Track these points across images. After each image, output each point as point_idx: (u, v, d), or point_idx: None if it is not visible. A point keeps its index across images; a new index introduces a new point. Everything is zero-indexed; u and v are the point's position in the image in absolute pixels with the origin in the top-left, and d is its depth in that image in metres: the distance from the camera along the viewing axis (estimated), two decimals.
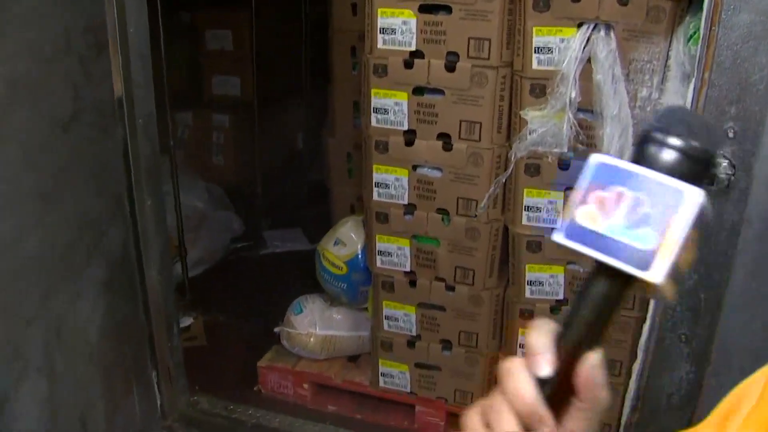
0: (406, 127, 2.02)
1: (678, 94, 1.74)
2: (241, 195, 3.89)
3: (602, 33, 1.77)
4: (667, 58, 1.76)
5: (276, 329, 2.55)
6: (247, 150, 4.01)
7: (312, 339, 2.46)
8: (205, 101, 4.10)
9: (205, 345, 2.88)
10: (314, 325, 2.47)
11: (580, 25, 1.79)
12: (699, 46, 1.56)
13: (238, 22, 3.93)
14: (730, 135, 1.49)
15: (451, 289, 2.13)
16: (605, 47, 1.76)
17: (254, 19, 3.84)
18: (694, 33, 1.71)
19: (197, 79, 4.13)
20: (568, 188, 1.93)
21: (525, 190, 1.96)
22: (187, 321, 2.95)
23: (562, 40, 1.80)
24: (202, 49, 4.06)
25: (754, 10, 1.43)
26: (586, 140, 1.85)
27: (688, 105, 1.62)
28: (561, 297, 2.04)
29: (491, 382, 2.19)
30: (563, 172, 1.91)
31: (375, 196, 2.11)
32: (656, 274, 0.53)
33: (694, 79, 1.59)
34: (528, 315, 2.08)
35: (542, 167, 1.92)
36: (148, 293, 2.17)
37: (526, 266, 2.03)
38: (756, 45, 1.45)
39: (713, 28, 1.50)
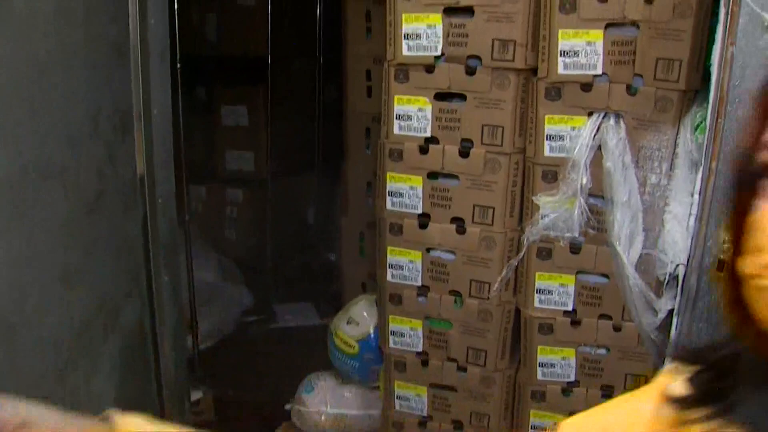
0: (420, 211, 2.06)
1: (687, 181, 1.79)
2: (252, 269, 3.92)
3: (612, 122, 1.83)
4: (675, 145, 1.81)
5: (287, 406, 2.54)
6: (259, 224, 4.06)
7: (323, 417, 2.46)
8: (220, 176, 4.17)
9: (213, 420, 2.87)
10: (325, 403, 2.47)
11: (590, 114, 1.85)
12: (705, 136, 1.61)
13: (253, 98, 4.03)
14: None
15: (463, 369, 2.14)
16: (615, 135, 1.82)
17: (270, 95, 3.94)
18: (701, 123, 1.76)
19: (212, 153, 4.21)
20: (580, 272, 1.96)
21: (537, 274, 1.98)
22: (196, 395, 2.94)
23: (573, 129, 1.86)
24: (218, 125, 4.15)
25: None
26: (597, 225, 1.88)
27: (697, 192, 1.67)
28: (572, 379, 2.05)
29: None
30: (575, 256, 1.93)
31: (389, 278, 2.14)
32: None
33: (702, 168, 1.64)
34: (539, 397, 2.08)
35: (554, 251, 1.95)
36: (161, 368, 2.18)
37: (538, 348, 2.04)
38: None
39: (719, 120, 1.55)
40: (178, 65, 3.04)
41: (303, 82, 4.18)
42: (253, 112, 4.06)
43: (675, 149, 1.81)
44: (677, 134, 1.80)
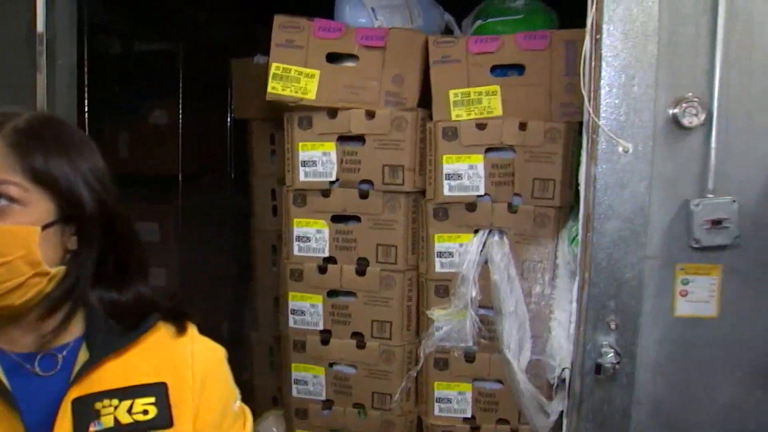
0: (321, 327, 2.14)
1: (567, 290, 1.92)
2: None
3: (496, 238, 1.97)
4: (555, 257, 1.96)
5: None
6: None
7: None
8: None
9: None
10: None
11: (476, 232, 1.99)
12: (578, 249, 1.75)
13: (165, 215, 4.03)
14: (612, 326, 1.66)
15: None
16: (500, 250, 1.95)
17: (181, 212, 3.97)
18: (576, 236, 1.91)
19: None
20: (476, 380, 2.05)
21: (435, 383, 2.07)
22: None
23: (461, 245, 1.99)
24: None
25: (620, 218, 1.63)
26: (488, 335, 2.00)
27: (574, 301, 1.79)
28: None
29: None
30: (470, 365, 2.03)
31: (294, 393, 2.19)
32: None
33: (577, 278, 1.77)
34: None
35: (450, 361, 2.04)
36: None
37: None
38: (625, 248, 1.64)
39: (588, 234, 1.70)
40: None
41: (214, 198, 4.24)
42: (164, 228, 4.06)
43: (555, 260, 1.96)
44: (556, 247, 1.95)
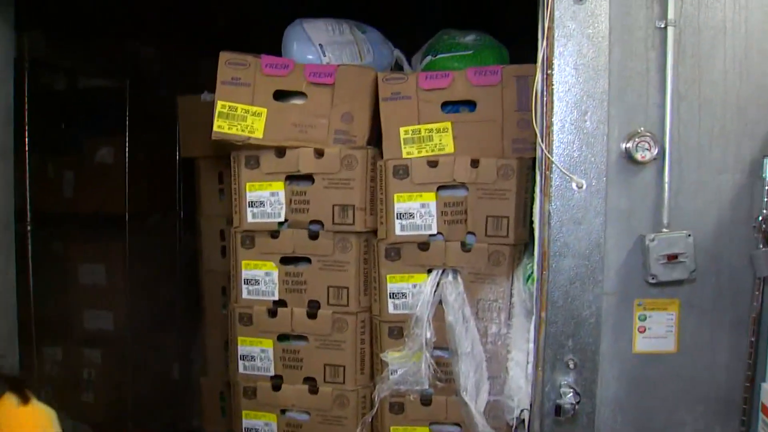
0: (272, 373, 2.06)
1: (524, 329, 1.88)
2: None
3: (450, 277, 1.92)
4: (511, 296, 1.91)
5: None
6: (118, 386, 3.87)
7: None
8: (77, 336, 3.97)
9: None
10: None
11: (429, 271, 1.93)
12: (535, 287, 1.72)
13: (111, 256, 3.92)
14: (571, 366, 1.62)
15: None
16: (454, 290, 1.90)
17: (128, 252, 3.86)
18: (531, 273, 1.88)
19: (69, 313, 4.02)
20: (433, 423, 1.98)
21: (391, 428, 2.00)
22: None
23: (415, 286, 1.93)
24: (75, 283, 3.99)
25: (576, 255, 1.61)
26: (444, 377, 1.94)
27: (531, 341, 1.75)
28: None
29: None
30: (426, 408, 1.96)
31: None
32: None
33: (534, 317, 1.73)
34: None
35: (406, 405, 1.98)
36: None
37: None
38: (582, 285, 1.61)
39: (544, 272, 1.66)
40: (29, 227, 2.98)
41: (163, 237, 4.13)
42: (111, 269, 3.94)
43: (511, 299, 1.92)
44: (512, 285, 1.91)
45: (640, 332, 1.63)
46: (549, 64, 1.60)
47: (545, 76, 1.61)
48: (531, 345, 1.73)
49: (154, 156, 4.07)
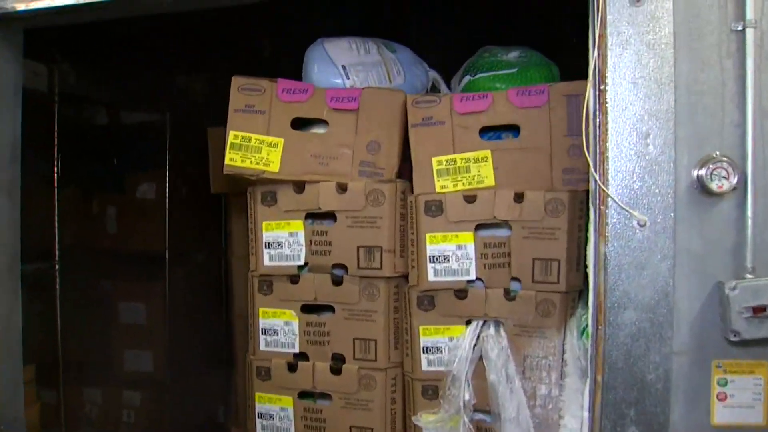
0: None
1: (578, 392, 1.60)
2: None
3: (492, 330, 1.66)
4: (563, 352, 1.64)
5: None
6: (158, 430, 3.72)
7: None
8: (117, 377, 3.86)
9: None
10: None
11: (468, 323, 1.68)
12: (590, 345, 1.45)
13: (152, 295, 3.81)
14: None
15: None
16: (496, 345, 1.64)
17: (168, 291, 3.74)
18: (587, 326, 1.60)
19: (109, 353, 3.91)
20: None
21: None
22: None
23: (451, 339, 1.68)
24: (115, 322, 3.89)
25: (639, 307, 1.35)
26: None
27: (586, 409, 1.48)
28: None
29: None
30: None
31: None
32: None
33: (588, 381, 1.46)
34: None
35: None
36: None
37: None
38: (646, 343, 1.35)
39: (600, 327, 1.40)
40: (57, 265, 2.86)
41: (207, 276, 3.99)
42: (150, 309, 3.83)
43: (563, 356, 1.64)
44: (564, 340, 1.64)
45: (720, 400, 1.36)
46: (602, 79, 1.35)
47: (598, 93, 1.36)
48: (585, 414, 1.46)
49: (197, 192, 3.95)
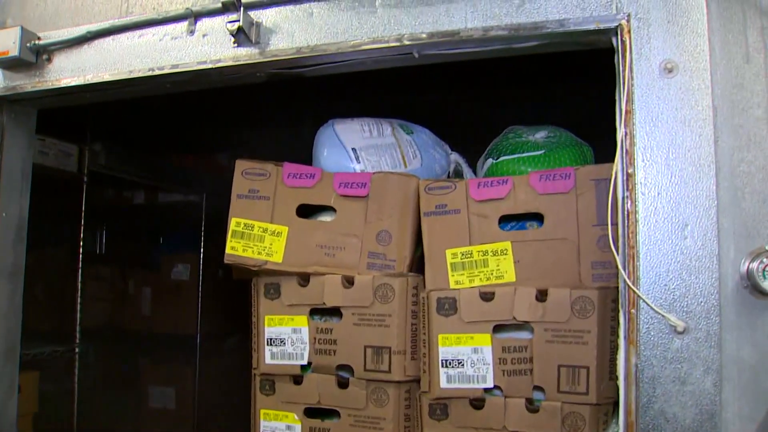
0: None
1: None
2: None
3: None
4: None
5: None
6: None
7: None
8: None
9: None
10: None
11: None
12: None
13: (181, 379, 3.71)
14: None
15: None
16: None
17: (198, 376, 3.63)
18: None
19: None
20: None
21: None
22: None
23: None
24: (144, 406, 3.79)
25: (679, 430, 1.18)
26: None
27: None
28: None
29: None
30: None
31: None
32: None
33: None
34: None
35: None
36: None
37: None
38: None
39: None
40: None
41: (240, 359, 3.86)
42: (180, 393, 3.72)
43: None
44: None
45: None
46: (630, 160, 1.19)
47: (626, 177, 1.20)
48: None
49: (231, 274, 3.86)
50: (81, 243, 2.94)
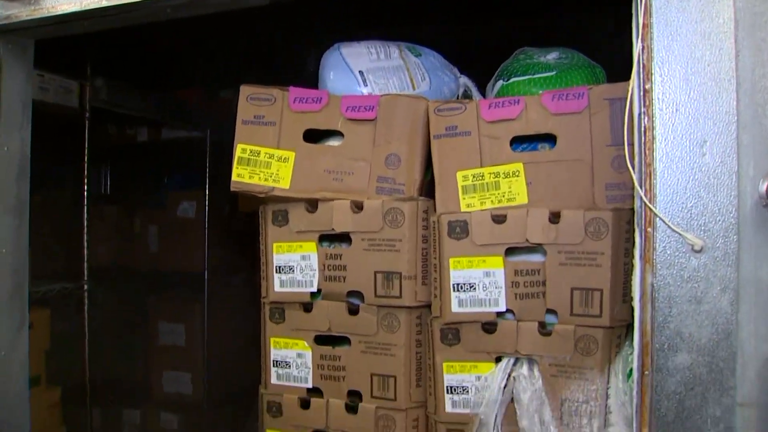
0: None
1: None
2: None
3: (524, 369, 1.45)
4: (607, 396, 1.42)
5: None
6: None
7: None
8: (155, 399, 3.78)
9: None
10: None
11: (498, 360, 1.47)
12: (634, 393, 1.23)
13: (190, 316, 3.73)
14: None
15: None
16: (529, 386, 1.43)
17: (207, 312, 3.64)
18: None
19: (147, 374, 3.84)
20: None
21: None
22: None
23: (479, 378, 1.48)
24: (155, 343, 3.82)
25: (694, 349, 1.14)
26: None
27: None
28: None
29: None
30: None
31: None
32: None
33: None
34: None
35: None
36: None
37: None
38: (703, 393, 1.14)
39: (646, 372, 1.19)
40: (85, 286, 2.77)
41: (248, 296, 3.88)
42: (189, 330, 3.74)
43: (607, 401, 1.42)
44: (607, 382, 1.42)
45: None
46: (647, 76, 1.14)
47: (643, 93, 1.16)
48: None
49: (237, 210, 3.87)
50: (86, 182, 2.91)
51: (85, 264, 2.91)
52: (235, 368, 3.76)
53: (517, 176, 1.46)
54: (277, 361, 1.66)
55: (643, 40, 1.15)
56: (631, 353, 1.38)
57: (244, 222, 3.75)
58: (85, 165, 2.90)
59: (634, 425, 1.22)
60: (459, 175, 1.49)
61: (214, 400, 3.63)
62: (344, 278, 1.57)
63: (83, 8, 1.63)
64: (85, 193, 2.91)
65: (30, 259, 1.88)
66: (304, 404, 1.64)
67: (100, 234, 3.46)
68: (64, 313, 3.03)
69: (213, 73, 3.53)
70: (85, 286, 2.91)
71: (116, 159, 4.06)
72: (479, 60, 1.85)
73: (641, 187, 1.18)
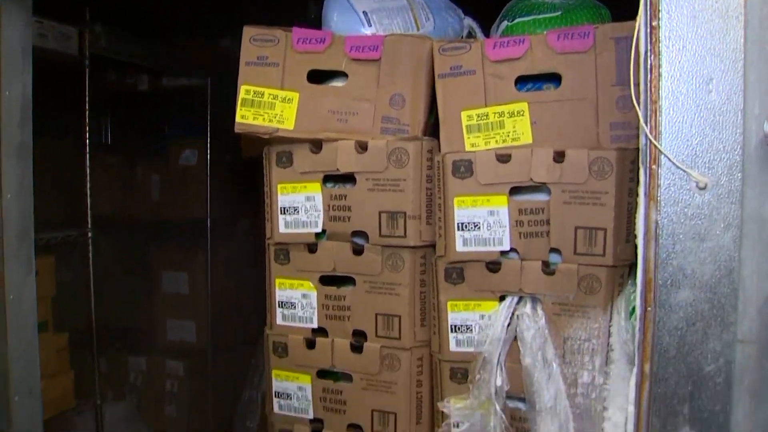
0: (311, 416, 1.69)
1: (625, 380, 1.41)
2: None
3: (528, 308, 1.47)
4: (609, 335, 1.44)
5: None
6: (201, 401, 3.66)
7: None
8: (160, 346, 3.82)
9: None
10: None
11: (501, 299, 1.49)
12: (637, 329, 1.25)
13: (194, 264, 3.74)
14: None
15: None
16: (532, 324, 1.45)
17: (210, 260, 3.66)
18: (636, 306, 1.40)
19: (152, 322, 3.88)
20: None
21: None
22: None
23: (483, 317, 1.50)
24: (158, 291, 3.84)
25: (696, 285, 1.15)
26: None
27: (630, 403, 1.28)
28: None
29: None
30: None
31: None
32: None
33: (635, 371, 1.26)
34: None
35: None
36: None
37: None
38: (705, 328, 1.15)
39: (648, 308, 1.20)
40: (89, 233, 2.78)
41: (251, 244, 3.91)
42: (193, 278, 3.76)
43: (609, 339, 1.44)
44: (610, 320, 1.44)
45: None
46: (654, 12, 1.13)
47: (649, 30, 1.15)
48: (631, 407, 1.26)
49: (239, 158, 3.85)
50: (87, 131, 2.90)
51: (89, 213, 2.92)
52: (239, 316, 3.80)
53: (522, 116, 1.46)
54: (282, 302, 1.68)
55: None
56: (634, 292, 1.41)
57: (246, 169, 3.75)
58: (86, 114, 2.88)
59: (636, 361, 1.24)
60: (463, 114, 1.49)
61: (219, 348, 3.68)
62: (349, 218, 1.58)
63: None
64: (87, 141, 2.90)
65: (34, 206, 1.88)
66: (310, 344, 1.66)
67: (102, 183, 3.46)
68: (68, 261, 3.05)
69: (214, 20, 3.49)
70: (89, 234, 2.92)
71: (117, 108, 4.03)
72: (483, 1, 1.83)
73: (646, 125, 1.18)
